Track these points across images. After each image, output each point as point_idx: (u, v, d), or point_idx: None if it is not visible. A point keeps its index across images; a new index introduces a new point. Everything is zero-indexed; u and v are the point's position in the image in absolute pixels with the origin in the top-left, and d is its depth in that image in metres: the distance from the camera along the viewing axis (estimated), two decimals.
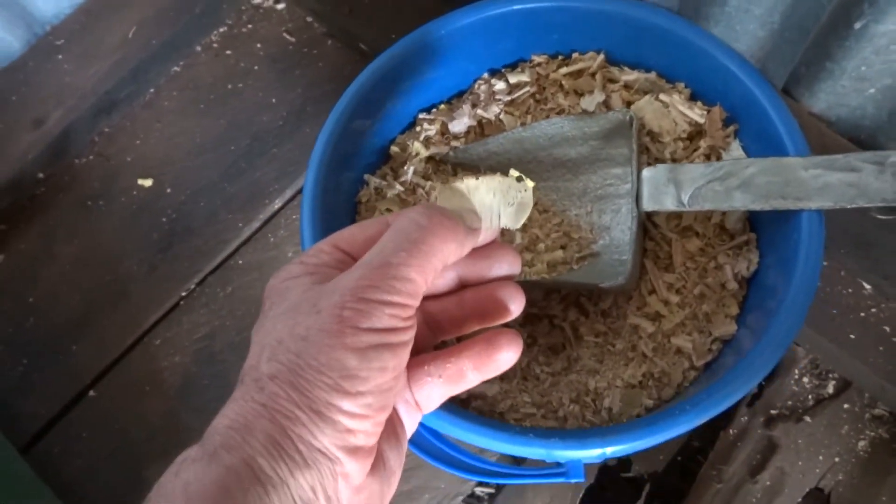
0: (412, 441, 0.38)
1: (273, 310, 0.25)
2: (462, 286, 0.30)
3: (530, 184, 0.29)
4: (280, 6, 0.67)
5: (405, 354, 0.24)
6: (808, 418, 0.55)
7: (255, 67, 0.64)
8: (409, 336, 0.24)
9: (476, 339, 0.28)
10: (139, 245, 0.59)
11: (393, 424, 0.27)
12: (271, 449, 0.22)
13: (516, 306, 0.29)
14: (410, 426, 0.28)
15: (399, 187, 0.41)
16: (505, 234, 0.42)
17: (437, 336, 0.30)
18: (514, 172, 0.29)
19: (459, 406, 0.37)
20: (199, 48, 0.66)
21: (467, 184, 0.28)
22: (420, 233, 0.25)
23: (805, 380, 0.57)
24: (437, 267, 0.25)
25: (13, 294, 0.58)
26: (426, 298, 0.29)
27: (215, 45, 0.66)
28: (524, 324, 0.42)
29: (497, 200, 0.28)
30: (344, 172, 0.41)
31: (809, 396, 0.56)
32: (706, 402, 0.32)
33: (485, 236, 0.28)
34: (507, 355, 0.27)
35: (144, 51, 0.62)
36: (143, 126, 0.63)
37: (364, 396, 0.23)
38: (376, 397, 0.23)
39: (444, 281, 0.29)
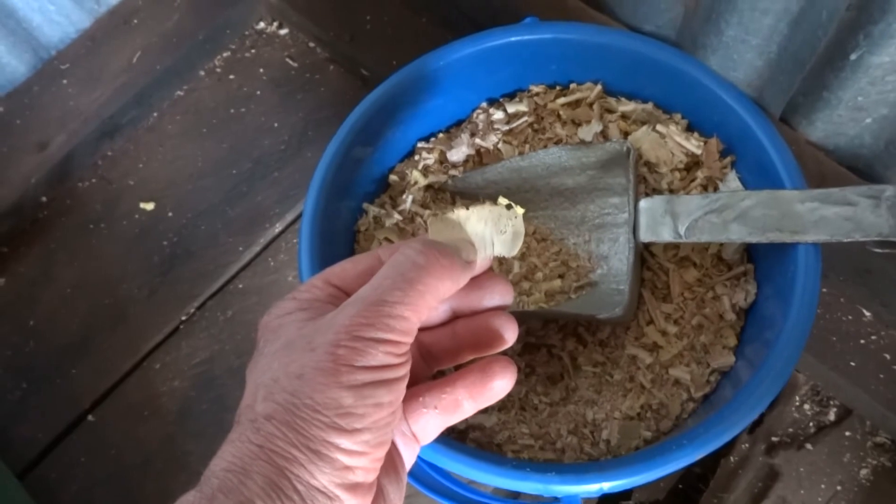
0: (411, 474, 0.38)
1: (267, 347, 0.25)
2: (454, 317, 0.30)
3: (520, 211, 0.29)
4: (283, 31, 0.68)
5: (401, 389, 0.24)
6: (809, 446, 0.55)
7: (258, 92, 0.65)
8: (405, 371, 0.24)
9: (470, 369, 0.28)
10: (140, 268, 0.59)
11: (392, 458, 0.27)
12: (269, 491, 0.22)
13: (510, 335, 0.29)
14: (409, 458, 0.28)
15: (397, 216, 0.41)
16: (503, 263, 0.42)
17: (431, 367, 0.30)
18: (503, 200, 0.29)
19: (457, 438, 0.37)
20: (202, 73, 0.66)
21: (458, 214, 0.28)
22: (416, 271, 0.25)
23: (806, 407, 0.56)
24: (432, 304, 0.25)
25: (13, 317, 0.58)
26: (420, 330, 0.29)
27: (218, 69, 0.67)
28: (522, 353, 0.41)
29: (489, 229, 0.28)
30: (343, 201, 0.41)
31: (811, 424, 0.56)
32: (704, 436, 0.32)
33: (479, 266, 0.28)
34: (501, 383, 0.27)
35: (148, 75, 0.63)
36: (145, 150, 0.64)
37: (361, 433, 0.23)
38: (374, 434, 0.23)
39: (437, 313, 0.29)
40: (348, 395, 0.23)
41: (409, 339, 0.24)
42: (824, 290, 0.54)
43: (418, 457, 0.30)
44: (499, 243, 0.28)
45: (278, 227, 0.60)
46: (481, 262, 0.28)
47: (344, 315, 0.24)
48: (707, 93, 0.40)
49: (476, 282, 0.29)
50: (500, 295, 0.29)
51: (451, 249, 0.27)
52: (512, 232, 0.28)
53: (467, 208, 0.28)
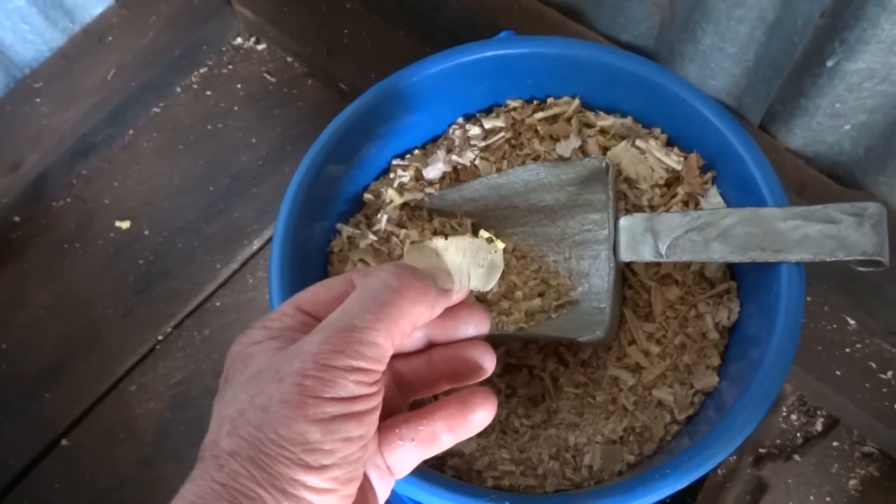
0: None
1: (236, 378, 0.24)
2: (430, 345, 0.29)
3: (500, 245, 0.28)
4: (260, 47, 0.67)
5: (372, 422, 0.24)
6: (797, 457, 0.54)
7: (235, 108, 0.64)
8: (376, 402, 0.24)
9: (449, 399, 0.27)
10: (115, 288, 0.58)
11: (364, 492, 0.26)
12: None
13: (489, 365, 0.28)
14: (383, 493, 0.27)
15: (372, 237, 0.41)
16: (477, 294, 0.41)
17: (407, 396, 0.29)
18: (483, 233, 0.28)
19: (435, 466, 0.36)
20: (178, 89, 0.65)
21: (436, 244, 0.27)
22: (389, 295, 0.24)
23: (793, 417, 0.56)
24: (406, 330, 0.24)
25: None
26: (394, 358, 0.28)
27: (195, 85, 0.66)
28: (502, 374, 0.41)
29: (466, 261, 0.28)
30: (315, 222, 0.40)
31: (798, 434, 0.55)
32: (687, 465, 0.31)
33: (455, 298, 0.28)
34: (481, 415, 0.27)
35: (123, 93, 0.62)
36: (121, 168, 0.63)
37: (329, 470, 0.22)
38: (343, 470, 0.22)
39: (412, 341, 0.29)
40: (315, 429, 0.22)
41: (381, 367, 0.23)
42: (809, 298, 0.53)
43: (394, 490, 0.29)
44: (475, 277, 0.28)
45: (256, 244, 0.60)
46: (457, 293, 0.27)
47: (311, 342, 0.23)
48: (686, 107, 0.39)
49: (452, 311, 0.28)
50: (475, 325, 0.28)
51: (426, 274, 0.26)
52: (489, 266, 0.28)
53: (446, 238, 0.27)
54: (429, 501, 0.31)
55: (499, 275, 0.28)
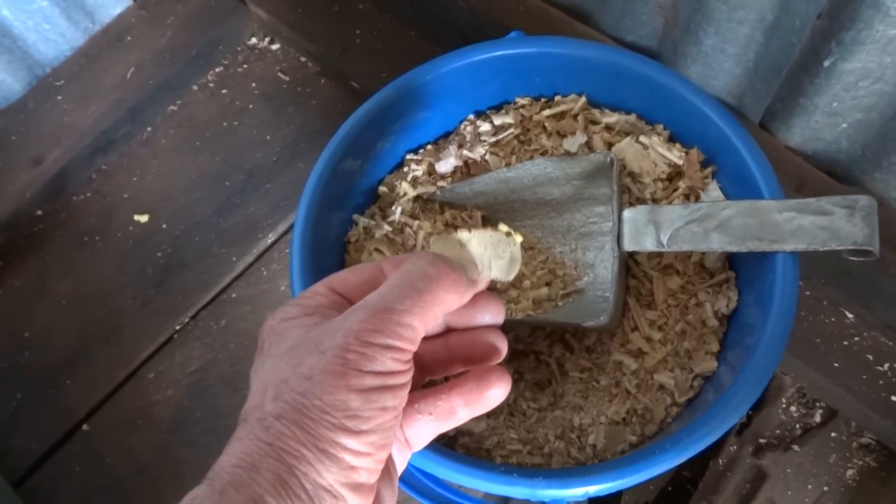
0: (405, 480, 0.38)
1: (273, 349, 0.26)
2: (448, 330, 0.31)
3: (518, 238, 0.30)
4: (275, 46, 0.69)
5: (404, 395, 0.25)
6: (796, 447, 0.56)
7: (250, 106, 0.66)
8: (408, 378, 0.25)
9: (467, 377, 0.29)
10: (134, 280, 0.60)
11: (386, 463, 0.28)
12: (279, 487, 0.23)
13: (502, 348, 0.30)
14: (401, 464, 0.29)
15: (387, 227, 0.42)
16: (495, 283, 0.42)
17: (423, 376, 0.31)
18: (503, 227, 0.30)
19: (446, 444, 0.38)
20: (195, 87, 0.67)
21: (461, 236, 0.29)
22: (426, 282, 0.26)
23: (792, 409, 0.57)
24: (438, 316, 0.26)
25: (8, 330, 0.58)
26: None
27: (211, 84, 0.67)
28: (510, 360, 0.42)
29: (488, 253, 0.29)
30: (333, 213, 0.42)
31: (797, 425, 0.57)
32: (686, 440, 0.32)
33: (480, 286, 0.29)
34: (497, 391, 0.28)
35: (142, 91, 0.63)
36: (139, 163, 0.64)
37: (367, 435, 0.24)
38: (378, 436, 0.24)
39: (434, 325, 0.30)
40: (356, 398, 0.23)
41: (414, 347, 0.25)
42: (808, 292, 0.55)
43: (410, 463, 0.31)
44: (496, 268, 0.29)
45: (271, 238, 0.61)
46: (481, 282, 0.29)
47: (353, 320, 0.25)
48: (688, 105, 0.41)
49: (472, 300, 0.29)
50: (492, 314, 0.30)
51: (458, 265, 0.28)
52: (509, 258, 0.30)
53: (469, 231, 0.29)
54: (441, 473, 0.33)
55: (518, 266, 0.30)
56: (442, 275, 0.26)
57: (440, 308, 0.26)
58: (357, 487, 0.24)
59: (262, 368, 0.25)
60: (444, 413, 0.28)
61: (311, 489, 0.23)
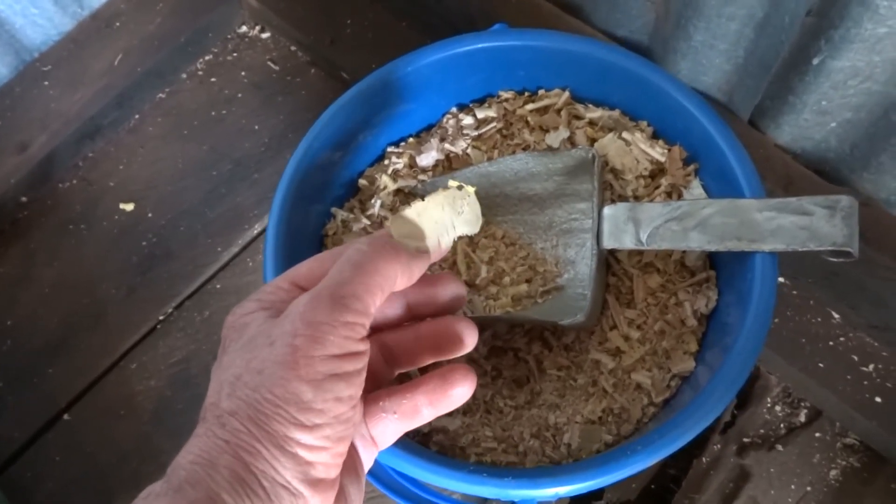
0: (372, 473, 0.38)
1: (231, 346, 0.26)
2: (413, 315, 0.30)
3: (471, 189, 0.30)
4: (265, 35, 0.68)
5: (359, 383, 0.25)
6: (780, 447, 0.56)
7: (239, 95, 0.65)
8: (362, 364, 0.25)
9: (430, 375, 0.28)
10: (118, 268, 0.60)
11: (352, 458, 0.27)
12: (235, 485, 0.23)
13: (470, 340, 0.29)
14: (367, 461, 0.29)
15: (366, 221, 0.42)
16: (471, 267, 0.42)
17: (393, 369, 0.31)
18: (453, 182, 0.30)
19: (420, 441, 0.38)
20: (184, 75, 0.67)
21: (416, 208, 0.29)
22: (361, 256, 0.26)
23: (777, 408, 0.57)
24: (384, 286, 0.26)
25: None
26: (382, 330, 0.30)
27: (200, 72, 0.67)
28: (489, 356, 0.42)
29: (447, 213, 0.29)
30: (311, 205, 0.42)
31: (781, 425, 0.56)
32: (658, 441, 0.32)
33: (434, 256, 0.29)
34: (461, 390, 0.28)
35: (129, 78, 0.63)
36: (126, 151, 0.64)
37: (322, 429, 0.23)
38: (334, 428, 0.24)
39: (393, 309, 0.30)
40: (308, 389, 0.23)
41: (365, 321, 0.25)
42: (794, 292, 0.54)
43: (381, 461, 0.31)
44: (459, 223, 0.29)
45: (257, 228, 0.61)
46: (445, 245, 0.29)
47: (298, 304, 0.24)
48: (671, 101, 0.40)
49: (429, 278, 0.30)
50: (452, 288, 0.30)
51: (398, 243, 0.27)
52: (469, 210, 0.29)
53: (423, 199, 0.29)
54: (408, 471, 0.33)
55: (480, 216, 0.30)
56: (377, 248, 0.26)
57: (383, 277, 0.26)
58: (315, 483, 0.24)
59: (220, 366, 0.25)
60: (408, 412, 0.28)
61: (268, 486, 0.23)
